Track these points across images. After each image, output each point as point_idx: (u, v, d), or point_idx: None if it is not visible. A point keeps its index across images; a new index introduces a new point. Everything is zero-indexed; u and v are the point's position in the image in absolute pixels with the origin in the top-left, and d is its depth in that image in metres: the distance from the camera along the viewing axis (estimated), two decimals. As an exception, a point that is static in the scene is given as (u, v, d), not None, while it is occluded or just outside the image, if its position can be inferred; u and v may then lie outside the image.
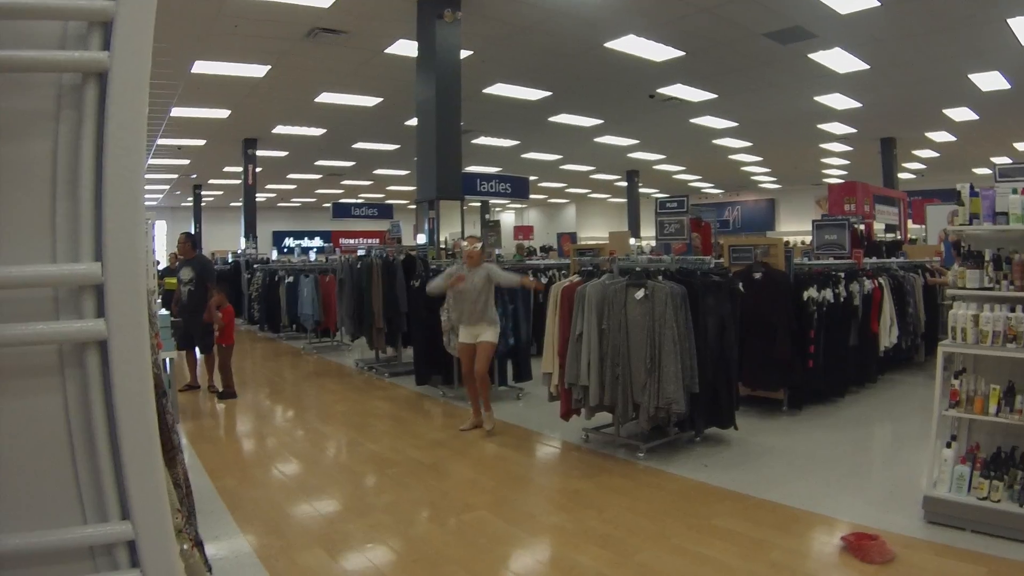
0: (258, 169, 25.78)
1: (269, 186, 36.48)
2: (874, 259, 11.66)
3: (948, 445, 5.57)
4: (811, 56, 15.17)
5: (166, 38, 12.84)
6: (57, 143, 1.82)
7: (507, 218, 53.48)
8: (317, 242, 42.88)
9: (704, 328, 7.38)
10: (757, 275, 8.92)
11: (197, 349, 11.37)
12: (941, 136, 24.59)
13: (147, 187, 33.01)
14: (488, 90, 17.90)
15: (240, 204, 26.85)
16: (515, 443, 8.28)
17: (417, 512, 6.22)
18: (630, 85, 17.73)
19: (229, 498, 6.42)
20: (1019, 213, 5.29)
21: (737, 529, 5.53)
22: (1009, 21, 12.87)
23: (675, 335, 6.95)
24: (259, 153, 25.22)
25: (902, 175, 28.63)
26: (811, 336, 8.98)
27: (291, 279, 17.10)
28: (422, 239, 13.02)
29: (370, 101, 18.98)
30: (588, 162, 31.85)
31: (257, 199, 27.07)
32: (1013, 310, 5.26)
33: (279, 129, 22.60)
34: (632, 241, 23.74)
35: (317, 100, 18.76)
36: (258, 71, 15.79)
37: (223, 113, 19.93)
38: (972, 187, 5.59)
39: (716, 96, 19.03)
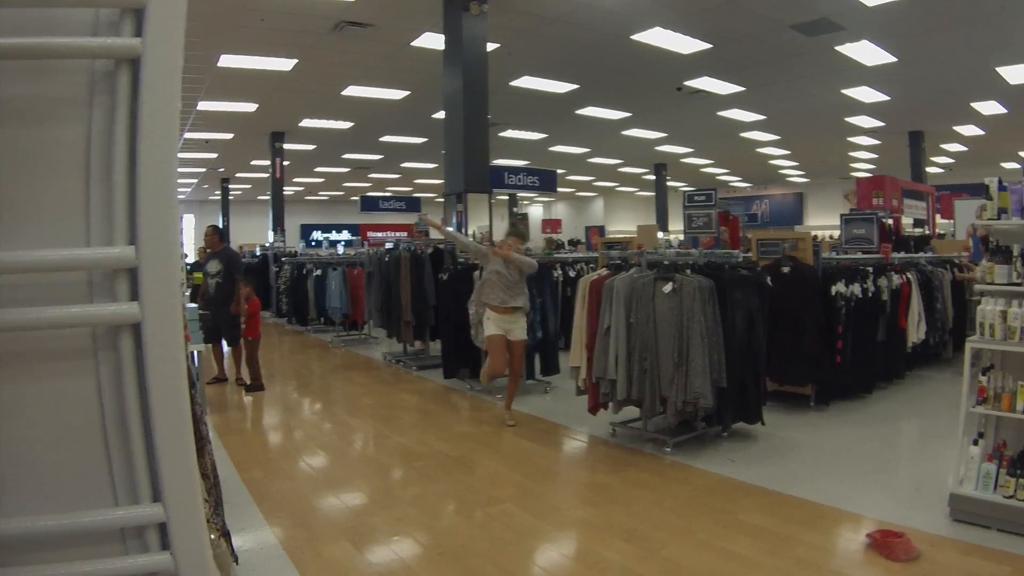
0: (285, 162, 25.90)
1: (296, 179, 36.65)
2: (902, 254, 11.57)
3: (975, 442, 5.51)
4: (838, 48, 15.07)
5: (192, 32, 12.82)
6: (91, 129, 1.84)
7: (535, 211, 53.56)
8: (345, 235, 43.02)
9: (732, 322, 7.35)
10: (785, 269, 8.86)
11: (224, 342, 11.44)
12: (969, 130, 24.39)
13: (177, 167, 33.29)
14: (515, 83, 17.89)
15: (268, 197, 26.95)
16: (542, 437, 8.27)
17: (443, 505, 6.22)
18: (657, 78, 17.67)
19: (256, 490, 6.45)
20: (1049, 207, 5.24)
21: (763, 525, 5.51)
22: (1040, 12, 12.74)
23: (703, 329, 6.92)
24: (286, 146, 25.33)
25: (930, 169, 28.44)
26: (839, 331, 8.92)
27: (319, 272, 17.16)
28: (450, 232, 13.02)
29: (397, 94, 18.99)
30: (616, 155, 31.79)
31: (285, 192, 27.19)
32: (1042, 306, 5.21)
33: (306, 122, 22.69)
34: (660, 235, 23.73)
35: (344, 93, 18.81)
36: (285, 64, 15.85)
37: (250, 107, 20.02)
38: (1000, 181, 5.51)
39: (743, 89, 18.95)
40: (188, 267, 16.88)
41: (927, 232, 18.31)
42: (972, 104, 20.49)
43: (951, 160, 31.34)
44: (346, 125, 23.05)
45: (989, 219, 5.56)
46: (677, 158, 32.21)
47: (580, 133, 25.49)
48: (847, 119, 23.00)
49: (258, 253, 24.37)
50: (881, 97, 19.64)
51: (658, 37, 14.41)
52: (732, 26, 13.75)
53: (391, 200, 26.69)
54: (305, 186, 40.58)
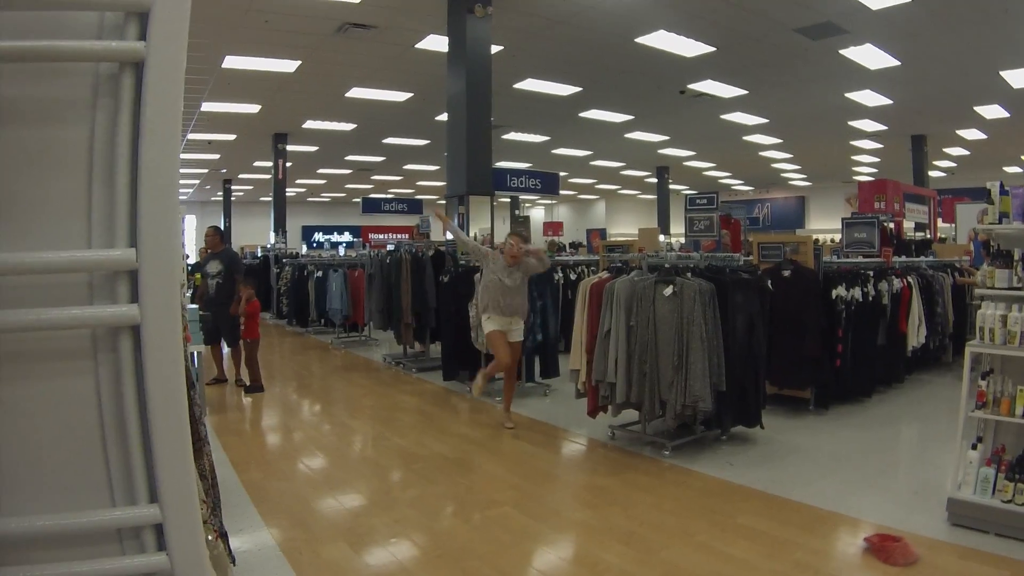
0: (288, 164, 25.91)
1: (299, 181, 36.67)
2: (903, 258, 11.58)
3: (974, 447, 5.51)
4: (842, 52, 15.08)
5: (197, 33, 12.83)
6: (94, 131, 1.85)
7: (537, 214, 53.52)
8: (347, 237, 43.06)
9: (732, 326, 7.36)
10: (786, 273, 8.87)
11: (224, 343, 11.45)
12: (972, 134, 24.39)
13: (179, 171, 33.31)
14: (519, 85, 17.92)
15: (270, 199, 26.97)
16: (541, 439, 8.28)
17: (442, 507, 6.23)
18: (661, 81, 17.69)
19: (254, 491, 6.46)
20: (1051, 212, 5.25)
21: (761, 528, 5.52)
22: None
23: (703, 332, 6.92)
24: (289, 148, 25.37)
25: (933, 173, 28.44)
26: (839, 335, 8.93)
27: (320, 274, 17.18)
28: (451, 235, 13.04)
29: (400, 96, 19.02)
30: (618, 158, 31.80)
31: (287, 194, 27.21)
32: (1043, 311, 5.22)
33: (309, 124, 22.71)
34: (662, 238, 23.72)
35: (347, 95, 18.83)
36: (288, 66, 15.88)
37: (253, 108, 20.05)
38: (1002, 185, 5.52)
39: (747, 92, 18.96)
40: (190, 267, 16.91)
41: (928, 236, 18.33)
42: (975, 108, 20.50)
43: (953, 164, 31.33)
44: (349, 127, 23.08)
45: (991, 223, 5.57)
46: (679, 161, 32.24)
47: (583, 136, 25.52)
48: (850, 123, 22.99)
49: (259, 254, 24.40)
50: (884, 101, 19.64)
51: (662, 40, 14.43)
52: (736, 29, 13.77)
53: (393, 202, 26.72)
54: (307, 187, 40.61)
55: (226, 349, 11.74)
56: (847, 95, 19.17)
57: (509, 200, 33.04)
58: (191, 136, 23.16)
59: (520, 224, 20.19)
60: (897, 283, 9.93)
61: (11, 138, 1.81)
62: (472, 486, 6.72)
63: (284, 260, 21.09)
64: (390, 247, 14.23)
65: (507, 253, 8.57)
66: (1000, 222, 5.49)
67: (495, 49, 13.29)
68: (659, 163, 33.42)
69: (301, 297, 18.40)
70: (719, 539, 5.34)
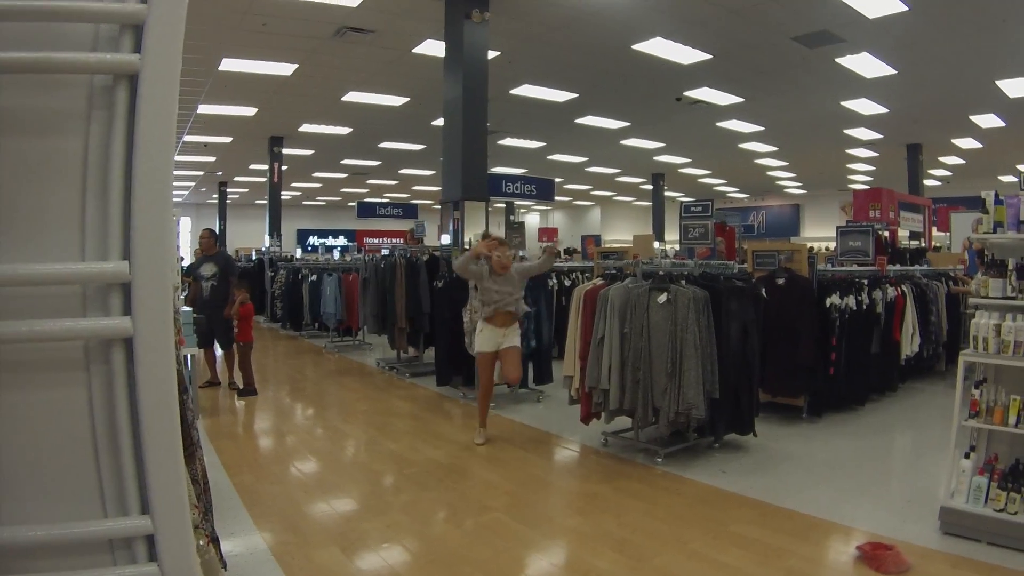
0: (284, 167, 25.90)
1: (294, 184, 36.67)
2: (898, 266, 11.60)
3: (967, 456, 5.53)
4: (838, 60, 15.10)
5: (194, 35, 12.93)
6: (88, 143, 1.85)
7: (532, 220, 53.58)
8: (341, 241, 43.05)
9: (726, 333, 7.37)
10: (780, 281, 8.88)
11: (217, 346, 11.45)
12: (968, 143, 24.43)
13: (173, 183, 33.30)
14: (515, 91, 17.92)
15: (265, 202, 26.97)
16: (534, 445, 8.28)
17: (434, 513, 6.23)
18: (657, 87, 17.72)
19: (246, 495, 6.45)
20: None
21: (754, 536, 5.52)
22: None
23: (697, 340, 6.93)
24: (285, 151, 25.34)
25: (928, 182, 28.45)
26: (833, 343, 8.95)
27: (314, 277, 17.18)
28: (446, 240, 13.03)
29: (397, 101, 19.02)
30: (614, 164, 31.79)
31: (282, 197, 27.18)
32: (1036, 321, 5.23)
33: (305, 127, 22.69)
34: (656, 245, 23.71)
35: (344, 99, 18.83)
36: (285, 69, 15.88)
37: (250, 111, 20.05)
38: (997, 195, 5.53)
39: (743, 100, 18.97)
40: (185, 269, 16.92)
41: (923, 245, 18.34)
42: (971, 117, 20.53)
43: (949, 173, 31.38)
44: (345, 131, 23.05)
45: (985, 233, 5.59)
46: (675, 168, 32.23)
47: (579, 142, 25.51)
48: (846, 131, 23.02)
49: (254, 257, 24.39)
50: (880, 109, 19.67)
51: (659, 47, 14.44)
52: (733, 37, 13.79)
53: (388, 206, 26.74)
54: (303, 191, 40.60)
55: (219, 352, 11.73)
56: (843, 103, 19.20)
57: (504, 205, 33.09)
58: (187, 138, 23.16)
59: (516, 231, 20.20)
60: (891, 292, 9.95)
61: (5, 149, 1.81)
62: (465, 492, 6.71)
63: (279, 263, 21.11)
64: (385, 251, 14.22)
65: (495, 264, 8.20)
66: (995, 231, 5.51)
67: (492, 54, 13.29)
68: (655, 170, 33.41)
69: (295, 301, 18.41)
70: (712, 547, 5.34)
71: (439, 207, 13.94)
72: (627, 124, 22.50)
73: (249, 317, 11.07)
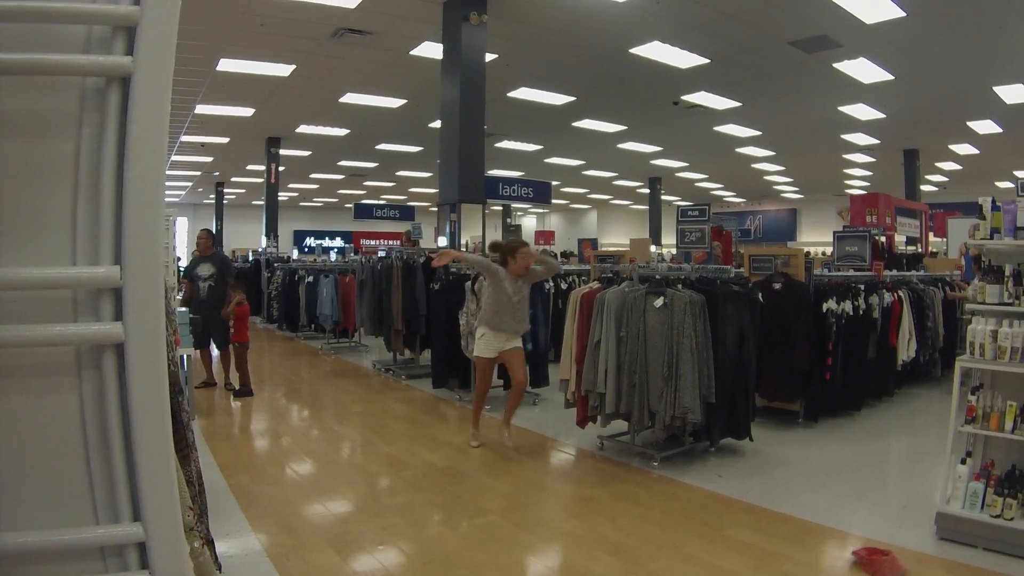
0: (281, 168, 25.90)
1: (291, 185, 36.65)
2: (894, 272, 11.61)
3: (963, 461, 5.53)
4: (836, 65, 15.13)
5: (192, 35, 12.96)
6: (80, 146, 1.84)
7: (528, 222, 53.58)
8: (338, 242, 43.06)
9: (722, 338, 7.37)
10: (777, 285, 8.88)
11: (213, 346, 11.45)
12: (964, 148, 24.48)
13: (170, 183, 33.29)
14: (512, 94, 17.93)
15: (262, 202, 26.97)
16: (530, 448, 8.26)
17: (429, 515, 6.22)
18: (654, 91, 17.73)
19: (242, 495, 6.44)
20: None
21: (750, 540, 5.52)
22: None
23: (693, 344, 6.93)
24: (282, 152, 25.34)
25: (924, 187, 28.49)
26: (829, 348, 8.95)
27: (311, 279, 17.15)
28: (443, 242, 13.02)
29: (394, 102, 19.03)
30: (611, 168, 31.84)
31: (279, 198, 27.20)
32: (1033, 326, 5.23)
33: (303, 128, 22.69)
34: (653, 248, 23.73)
35: (341, 100, 18.84)
36: (283, 70, 15.88)
37: (247, 111, 20.05)
38: (994, 201, 5.55)
39: (740, 104, 19.00)
40: (183, 270, 16.93)
41: (920, 250, 18.37)
42: (968, 123, 20.57)
43: (946, 178, 31.43)
44: (342, 132, 23.05)
45: (982, 239, 5.60)
46: (672, 172, 32.28)
47: (576, 145, 25.52)
48: (843, 136, 23.06)
49: (251, 258, 24.38)
50: (877, 114, 19.71)
51: (656, 51, 14.46)
52: (731, 42, 13.81)
53: (385, 208, 26.73)
54: (300, 192, 40.59)
55: (215, 352, 11.72)
56: (840, 108, 19.23)
57: (501, 208, 33.09)
58: (184, 138, 23.15)
59: (512, 232, 20.20)
60: (888, 297, 9.96)
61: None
62: (460, 494, 6.70)
63: (275, 264, 21.10)
64: (381, 253, 14.21)
65: (520, 263, 7.98)
66: (991, 237, 5.52)
67: (489, 57, 13.30)
68: (651, 174, 33.45)
69: (291, 302, 18.37)
70: (707, 551, 5.34)
71: (436, 209, 13.93)
72: (624, 128, 22.52)
73: (245, 317, 11.06)
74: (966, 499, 5.37)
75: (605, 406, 7.31)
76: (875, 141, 23.54)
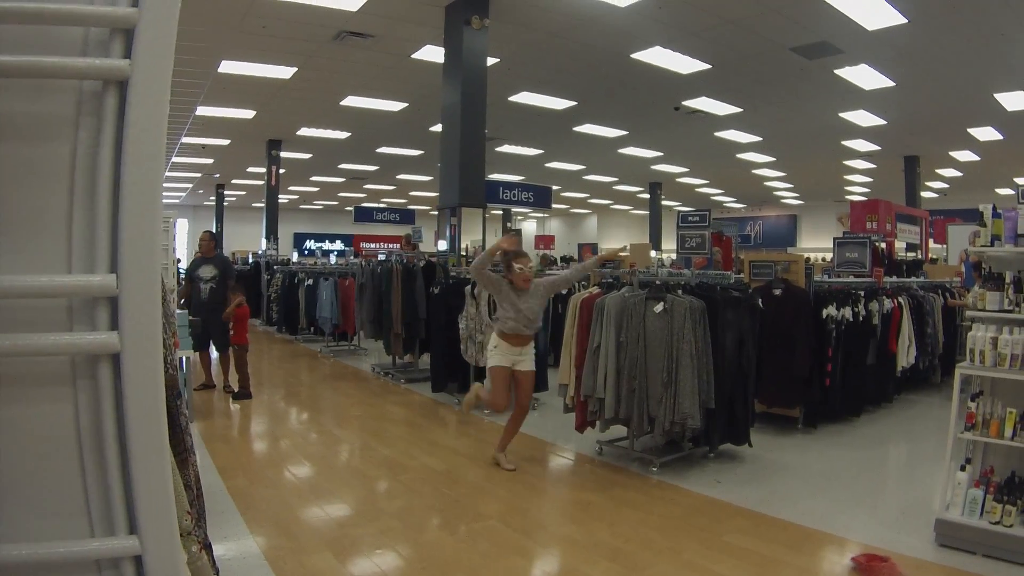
0: (281, 171, 25.89)
1: (292, 188, 36.68)
2: (894, 278, 11.61)
3: (962, 468, 5.53)
4: (837, 72, 15.12)
5: (194, 37, 12.96)
6: (76, 150, 1.82)
7: (529, 227, 53.60)
8: (338, 245, 43.05)
9: (722, 343, 7.36)
10: (777, 291, 8.88)
11: (213, 348, 11.44)
12: (965, 155, 24.45)
13: (170, 185, 33.34)
14: (513, 98, 17.93)
15: (262, 205, 26.97)
16: (529, 453, 8.25)
17: (428, 519, 6.22)
18: (656, 97, 17.72)
19: (240, 498, 6.43)
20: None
21: (748, 546, 5.51)
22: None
23: (693, 350, 6.93)
24: (283, 154, 25.32)
25: (925, 194, 28.48)
26: (829, 354, 8.95)
27: (311, 281, 17.16)
28: (443, 245, 13.02)
29: (395, 106, 19.01)
30: (611, 173, 31.84)
31: (279, 200, 27.19)
32: (1033, 334, 5.23)
33: (303, 131, 22.68)
34: (653, 254, 23.72)
35: (342, 103, 18.83)
36: (284, 72, 15.87)
37: (248, 113, 20.04)
38: (995, 208, 5.54)
39: (741, 110, 18.99)
40: (184, 272, 16.92)
41: (920, 257, 18.36)
42: (969, 129, 20.53)
43: (946, 185, 31.40)
44: (343, 135, 23.05)
45: (983, 246, 5.59)
46: (672, 177, 32.26)
47: (576, 150, 25.51)
48: (843, 142, 23.03)
49: (250, 260, 24.39)
50: (878, 121, 19.68)
51: (658, 56, 14.44)
52: (732, 47, 13.79)
53: (385, 211, 26.74)
54: (300, 194, 40.60)
55: (215, 354, 11.72)
56: (841, 115, 19.22)
57: (501, 212, 33.09)
58: (185, 140, 23.16)
59: (512, 234, 20.19)
60: (888, 303, 9.96)
61: (-4, 156, 1.79)
62: (459, 498, 6.69)
63: (275, 267, 21.11)
64: (381, 257, 14.22)
65: (516, 280, 7.45)
66: (992, 244, 5.52)
67: (491, 61, 13.27)
68: (652, 179, 33.45)
69: (291, 304, 18.38)
70: (706, 557, 5.33)
71: (436, 213, 13.93)
72: (625, 133, 22.50)
73: (245, 320, 11.07)
74: (965, 506, 5.37)
75: (604, 411, 7.30)
76: (876, 147, 23.50)
